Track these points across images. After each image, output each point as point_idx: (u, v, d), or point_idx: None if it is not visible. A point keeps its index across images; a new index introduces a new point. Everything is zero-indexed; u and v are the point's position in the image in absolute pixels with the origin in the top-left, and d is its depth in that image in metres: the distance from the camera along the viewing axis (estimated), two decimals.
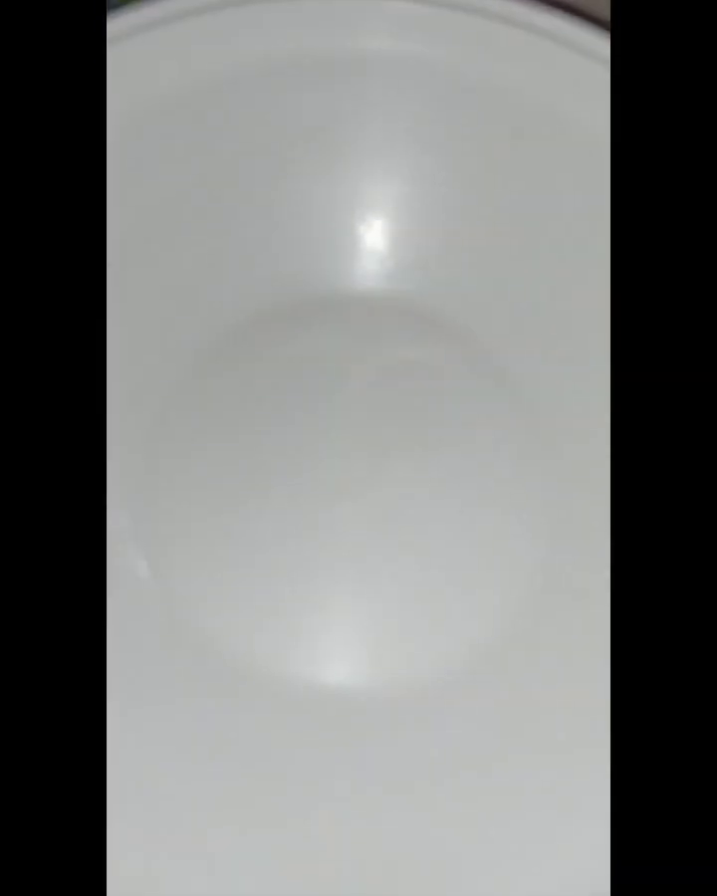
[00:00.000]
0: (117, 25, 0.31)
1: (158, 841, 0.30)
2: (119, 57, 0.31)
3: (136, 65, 0.32)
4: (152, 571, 0.33)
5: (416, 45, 0.33)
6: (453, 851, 0.31)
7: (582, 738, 0.31)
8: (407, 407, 0.35)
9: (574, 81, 0.33)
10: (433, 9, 0.32)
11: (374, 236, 0.35)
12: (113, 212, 0.31)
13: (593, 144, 0.33)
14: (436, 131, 0.34)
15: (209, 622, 0.33)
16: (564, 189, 0.34)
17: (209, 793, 0.31)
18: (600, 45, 0.32)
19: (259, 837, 0.31)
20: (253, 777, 0.32)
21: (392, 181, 0.35)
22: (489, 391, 0.35)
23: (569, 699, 0.32)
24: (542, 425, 0.34)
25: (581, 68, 0.32)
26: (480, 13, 0.32)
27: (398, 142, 0.34)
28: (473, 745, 0.32)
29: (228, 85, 0.33)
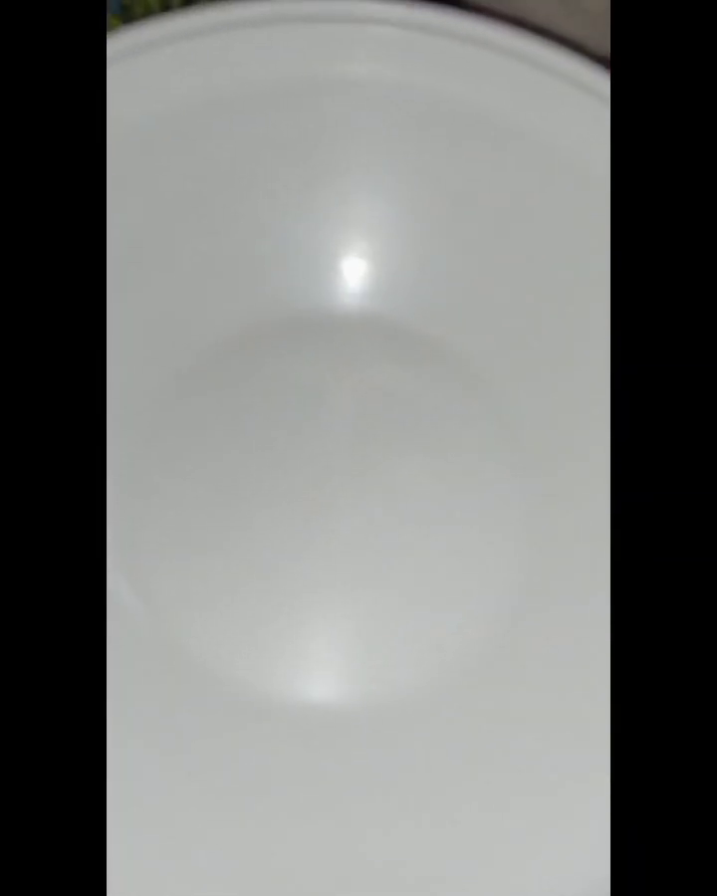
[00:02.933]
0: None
1: (148, 858, 0.30)
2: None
3: (119, 89, 0.32)
4: (135, 591, 0.33)
5: (397, 69, 0.33)
6: (441, 864, 0.31)
7: (568, 749, 0.32)
8: (389, 425, 0.35)
9: (555, 105, 0.33)
10: (414, 34, 0.33)
11: (356, 257, 0.36)
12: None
13: (573, 166, 0.33)
14: (417, 154, 0.34)
15: (193, 639, 0.33)
16: (544, 210, 0.34)
17: (195, 809, 0.31)
18: (580, 70, 0.33)
19: (247, 852, 0.31)
20: (239, 792, 0.32)
21: (375, 203, 0.35)
22: (471, 409, 0.35)
23: (553, 710, 0.32)
24: (524, 440, 0.35)
25: (560, 92, 0.33)
26: (460, 38, 0.33)
27: (381, 164, 0.35)
28: (460, 757, 0.32)
29: (210, 108, 0.33)
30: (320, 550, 0.34)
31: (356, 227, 0.35)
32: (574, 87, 0.33)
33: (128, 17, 0.36)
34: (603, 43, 0.35)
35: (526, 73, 0.33)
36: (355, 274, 0.36)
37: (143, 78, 0.32)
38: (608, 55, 0.34)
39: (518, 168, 0.34)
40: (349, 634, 0.34)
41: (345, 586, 0.34)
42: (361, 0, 0.32)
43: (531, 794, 0.31)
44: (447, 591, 0.34)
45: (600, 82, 0.33)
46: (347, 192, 0.35)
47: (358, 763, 0.32)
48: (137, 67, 0.32)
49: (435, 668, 0.33)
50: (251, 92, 0.33)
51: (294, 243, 0.35)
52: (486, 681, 0.33)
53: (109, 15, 0.35)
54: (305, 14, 0.32)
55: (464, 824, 0.31)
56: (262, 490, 0.34)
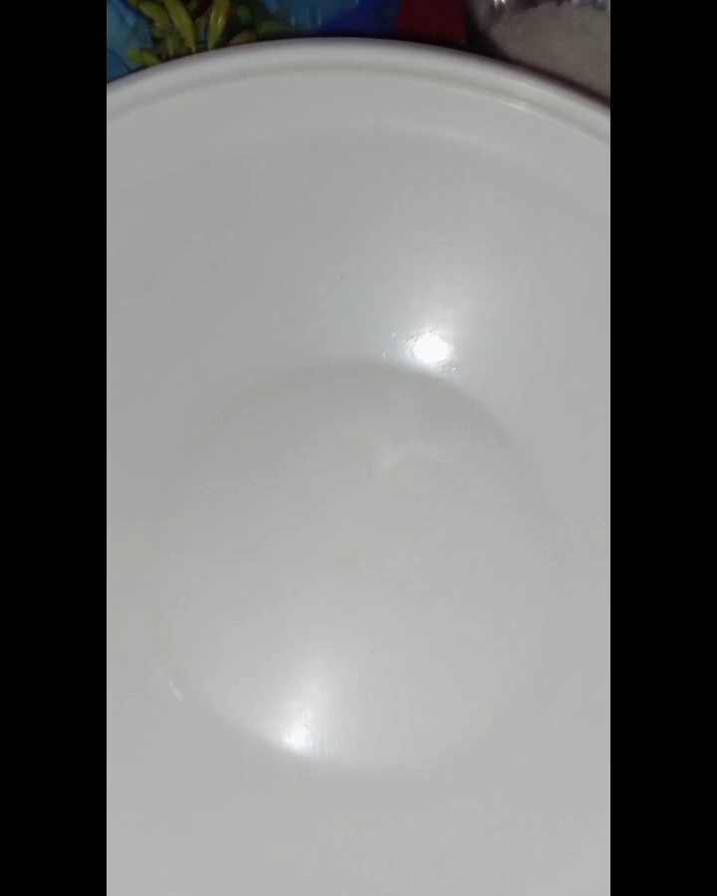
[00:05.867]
0: (132, 91, 0.29)
1: None
2: (137, 123, 0.30)
3: (156, 132, 0.30)
4: (156, 649, 0.33)
5: (440, 127, 0.30)
6: None
7: (582, 820, 0.31)
8: (424, 490, 0.34)
9: (593, 164, 0.31)
10: (463, 91, 0.29)
11: (405, 313, 0.34)
12: (131, 277, 0.31)
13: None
14: (453, 213, 0.32)
15: (212, 696, 0.33)
16: (584, 274, 0.32)
17: (210, 869, 0.31)
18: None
19: None
20: (255, 851, 0.32)
21: (428, 262, 0.33)
22: (507, 481, 0.34)
23: (569, 781, 0.32)
24: (551, 517, 0.34)
25: (598, 151, 0.30)
26: (505, 95, 0.30)
27: (417, 222, 0.32)
28: (471, 825, 0.32)
29: (245, 160, 0.31)
30: (343, 609, 0.34)
31: (409, 288, 0.33)
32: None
33: (162, 51, 0.34)
34: None
35: (568, 132, 0.30)
36: (406, 333, 0.34)
37: (178, 122, 0.30)
38: None
39: (564, 233, 0.32)
40: (368, 694, 0.33)
41: (365, 643, 0.34)
42: (423, 54, 0.29)
43: (539, 868, 0.31)
44: (472, 654, 0.33)
45: None
46: (400, 249, 0.33)
47: (369, 826, 0.32)
48: (174, 109, 0.30)
49: (455, 732, 0.33)
50: (288, 143, 0.31)
51: (342, 295, 0.34)
52: (505, 747, 0.33)
53: (139, 48, 0.34)
54: (349, 62, 0.29)
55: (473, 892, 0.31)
56: (290, 546, 0.34)
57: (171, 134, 0.30)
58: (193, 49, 0.34)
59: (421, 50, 0.29)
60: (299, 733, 0.33)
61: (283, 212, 0.32)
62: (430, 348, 0.34)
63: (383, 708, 0.33)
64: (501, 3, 0.39)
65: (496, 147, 0.30)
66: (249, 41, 0.35)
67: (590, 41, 0.37)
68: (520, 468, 0.34)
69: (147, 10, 0.33)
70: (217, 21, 0.34)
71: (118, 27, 0.33)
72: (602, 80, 0.35)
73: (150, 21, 0.34)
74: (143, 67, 0.33)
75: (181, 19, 0.34)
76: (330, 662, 0.33)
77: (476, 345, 0.34)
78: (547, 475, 0.33)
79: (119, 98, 0.29)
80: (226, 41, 0.35)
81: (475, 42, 0.38)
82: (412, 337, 0.34)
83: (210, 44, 0.35)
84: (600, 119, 0.29)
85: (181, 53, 0.34)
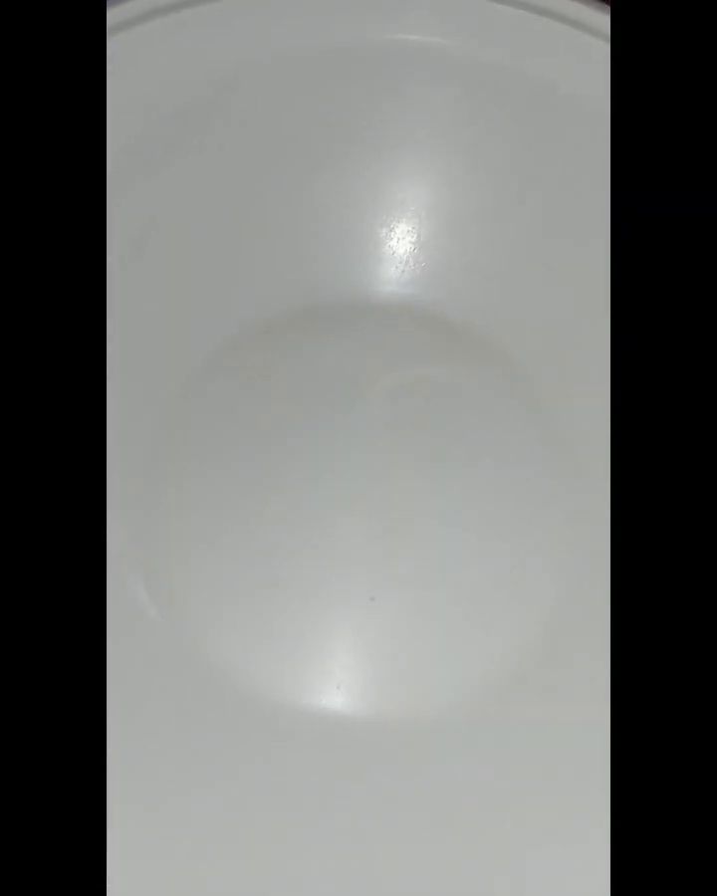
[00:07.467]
0: (129, 11, 0.29)
1: (153, 867, 0.29)
2: (132, 43, 0.30)
3: (150, 54, 0.30)
4: (151, 593, 0.32)
5: (448, 38, 0.31)
6: (446, 883, 0.29)
7: (589, 778, 0.30)
8: (424, 423, 0.33)
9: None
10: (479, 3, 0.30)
11: (396, 240, 0.34)
12: (118, 212, 0.30)
13: None
14: (464, 130, 0.32)
15: (211, 644, 0.32)
16: (594, 194, 0.32)
17: (207, 819, 0.30)
18: None
19: (253, 862, 0.30)
20: (253, 802, 0.30)
21: (416, 182, 0.33)
22: (511, 410, 0.33)
23: (578, 736, 0.31)
24: (567, 442, 0.33)
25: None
26: (521, 5, 0.30)
27: (424, 141, 0.32)
28: (476, 779, 0.31)
29: (246, 77, 0.31)
30: (345, 551, 0.33)
31: (396, 208, 0.33)
32: None
33: None
34: None
35: (584, 41, 0.30)
36: (396, 260, 0.34)
37: (175, 42, 0.30)
38: None
39: (566, 147, 0.31)
40: (372, 644, 0.32)
41: (370, 591, 0.32)
42: None
43: (546, 822, 0.30)
44: (477, 603, 0.32)
45: None
46: (386, 170, 0.33)
47: (374, 777, 0.31)
48: (172, 29, 0.30)
49: (459, 685, 0.32)
50: (290, 60, 0.31)
51: (331, 225, 0.33)
52: (511, 702, 0.31)
53: None
54: None
55: (476, 849, 0.30)
56: (289, 488, 0.33)
57: (167, 53, 0.30)
58: None
59: None
60: (292, 681, 0.32)
61: (283, 134, 0.31)
62: (436, 284, 0.33)
63: (383, 659, 0.32)
64: None
65: (501, 59, 0.30)
66: None
67: None
68: (531, 406, 0.33)
69: None
70: None
71: None
72: None
73: None
74: None
75: None
76: (326, 609, 0.32)
77: (488, 280, 0.33)
78: (560, 406, 0.33)
79: (116, 15, 0.29)
80: None
81: None
82: (419, 273, 0.33)
83: None
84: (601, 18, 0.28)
85: None
